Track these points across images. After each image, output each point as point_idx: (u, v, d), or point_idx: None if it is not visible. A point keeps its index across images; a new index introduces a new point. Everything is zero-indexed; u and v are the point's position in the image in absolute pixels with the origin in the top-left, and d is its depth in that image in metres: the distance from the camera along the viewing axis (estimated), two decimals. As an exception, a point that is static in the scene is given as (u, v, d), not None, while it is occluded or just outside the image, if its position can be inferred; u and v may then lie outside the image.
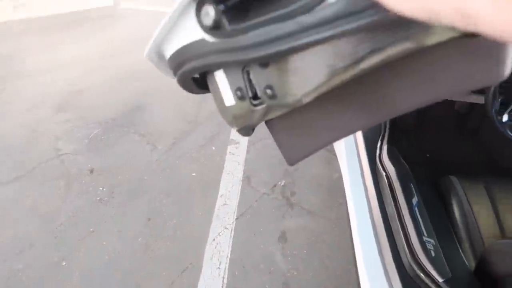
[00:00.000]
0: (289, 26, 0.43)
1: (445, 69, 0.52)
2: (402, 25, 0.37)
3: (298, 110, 0.64)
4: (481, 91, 1.47)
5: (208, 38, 0.52)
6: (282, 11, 0.43)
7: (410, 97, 0.58)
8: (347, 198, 1.55)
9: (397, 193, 1.37)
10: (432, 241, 1.19)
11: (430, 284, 1.08)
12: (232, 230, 1.96)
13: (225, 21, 0.48)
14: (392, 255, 1.20)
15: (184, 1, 0.50)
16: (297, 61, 0.50)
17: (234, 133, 2.63)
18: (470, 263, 1.21)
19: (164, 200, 2.11)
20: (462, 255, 1.23)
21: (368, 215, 1.40)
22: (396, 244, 1.23)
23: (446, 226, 1.33)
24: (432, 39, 0.41)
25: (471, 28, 0.22)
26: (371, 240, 1.31)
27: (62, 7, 4.52)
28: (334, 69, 0.48)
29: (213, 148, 2.50)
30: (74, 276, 1.72)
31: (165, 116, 2.77)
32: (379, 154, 1.59)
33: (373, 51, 0.44)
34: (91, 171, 2.26)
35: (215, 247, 1.86)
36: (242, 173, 2.31)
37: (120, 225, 1.96)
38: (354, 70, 0.47)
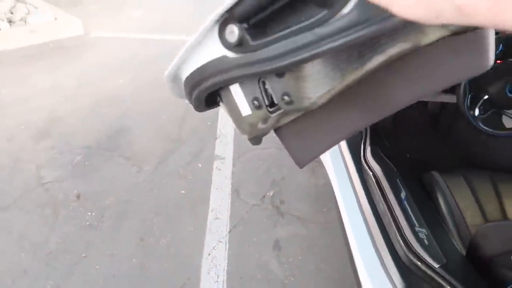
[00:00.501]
0: (307, 37, 0.48)
1: (437, 65, 0.60)
2: (401, 29, 0.44)
3: (306, 115, 0.70)
4: (451, 91, 1.57)
5: (230, 54, 0.58)
6: (301, 25, 0.49)
7: (408, 93, 0.66)
8: (338, 200, 1.60)
9: (385, 190, 1.43)
10: (424, 230, 1.25)
11: (427, 271, 1.13)
12: (226, 243, 1.97)
13: (248, 38, 0.54)
14: (388, 248, 1.25)
15: (208, 24, 0.56)
16: (312, 68, 0.56)
17: (218, 149, 2.67)
18: (461, 248, 1.28)
19: (155, 219, 2.10)
20: (453, 241, 1.30)
21: (359, 213, 1.46)
22: (389, 238, 1.29)
23: (435, 216, 1.40)
24: (426, 39, 0.48)
25: (470, 22, 0.26)
26: (365, 236, 1.36)
27: (32, 38, 4.49)
28: (345, 72, 0.54)
29: (199, 164, 2.52)
30: (70, 302, 1.69)
31: (148, 138, 2.77)
32: (364, 155, 1.65)
33: (376, 53, 0.50)
34: (78, 197, 2.24)
35: (211, 261, 1.87)
36: (231, 186, 2.34)
37: (112, 248, 1.94)
38: (361, 71, 0.53)
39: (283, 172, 2.43)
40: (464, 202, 1.48)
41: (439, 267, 1.14)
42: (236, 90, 0.66)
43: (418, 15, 0.29)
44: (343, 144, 1.80)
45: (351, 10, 0.44)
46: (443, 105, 2.12)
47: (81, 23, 4.90)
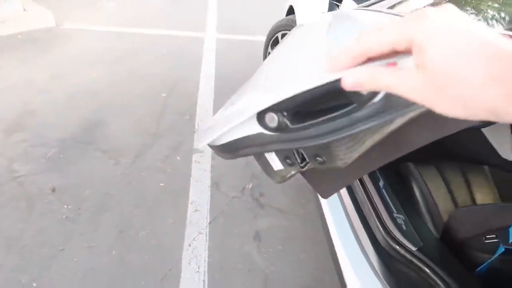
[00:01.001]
0: (344, 121, 0.56)
1: (448, 119, 0.66)
2: None
3: None
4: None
5: (268, 133, 0.65)
6: (338, 113, 0.56)
7: (421, 139, 0.73)
8: (318, 191, 1.64)
9: (364, 179, 1.48)
10: (401, 216, 1.31)
11: (405, 254, 1.19)
12: (206, 234, 1.98)
13: (287, 122, 0.62)
14: (367, 234, 1.30)
15: (247, 114, 0.63)
16: (345, 139, 0.63)
17: (197, 143, 2.66)
18: (435, 233, 1.34)
19: (134, 211, 2.09)
20: (429, 226, 1.36)
21: (339, 202, 1.50)
22: (369, 224, 1.34)
23: (411, 203, 1.47)
24: None
25: (499, 121, 0.31)
26: (345, 224, 1.41)
27: (0, 29, 4.33)
28: (372, 135, 0.61)
29: (178, 158, 2.51)
30: (47, 296, 1.66)
31: (125, 131, 2.73)
32: (343, 147, 1.70)
33: (398, 117, 0.57)
34: (53, 190, 2.18)
35: (192, 252, 1.88)
36: (210, 179, 2.34)
37: (91, 240, 1.91)
38: (386, 131, 0.60)
39: (262, 165, 2.45)
40: (436, 191, 1.56)
41: (416, 250, 1.20)
42: (271, 156, 0.75)
43: (457, 115, 0.33)
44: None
45: (381, 99, 0.51)
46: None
47: (52, 15, 4.74)
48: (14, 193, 2.15)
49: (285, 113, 0.60)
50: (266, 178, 2.32)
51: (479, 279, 1.15)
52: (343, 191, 1.54)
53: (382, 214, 1.33)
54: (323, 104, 0.58)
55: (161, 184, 2.29)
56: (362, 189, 1.46)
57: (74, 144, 2.56)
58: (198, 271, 1.79)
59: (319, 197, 1.62)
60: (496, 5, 1.51)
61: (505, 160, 1.80)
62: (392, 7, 1.56)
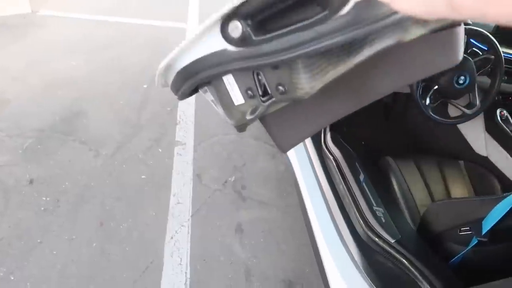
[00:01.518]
0: (309, 34, 0.53)
1: (415, 58, 0.67)
2: (388, 27, 0.49)
3: (291, 105, 0.74)
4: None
5: (231, 48, 0.60)
6: (303, 23, 0.53)
7: (387, 84, 0.72)
8: (299, 183, 1.67)
9: (345, 172, 1.52)
10: (381, 209, 1.35)
11: (384, 246, 1.23)
12: (188, 226, 1.98)
13: (251, 33, 0.58)
14: (347, 226, 1.34)
15: (211, 21, 0.59)
16: (307, 61, 0.60)
17: (179, 135, 2.65)
18: (413, 226, 1.39)
19: (115, 203, 2.07)
20: (406, 218, 1.41)
21: (320, 195, 1.53)
22: (349, 216, 1.37)
23: (391, 197, 1.51)
24: (408, 36, 0.55)
25: (459, 17, 0.31)
26: (326, 216, 1.44)
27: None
28: (336, 65, 0.60)
29: (160, 150, 2.50)
30: (26, 288, 1.64)
31: (106, 122, 2.69)
32: (324, 140, 1.73)
33: (365, 48, 0.56)
34: (31, 182, 2.14)
35: (174, 244, 1.88)
36: (192, 172, 2.34)
37: (71, 232, 1.89)
38: (350, 64, 0.59)
39: (244, 158, 2.47)
40: (414, 184, 1.61)
41: (394, 242, 1.24)
42: (229, 81, 0.69)
43: (415, 10, 0.33)
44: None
45: (349, 11, 0.49)
46: (396, 94, 2.26)
47: (27, 1, 4.59)
48: (-11, 184, 2.10)
49: (249, 22, 0.57)
50: (248, 170, 2.34)
51: (454, 269, 1.20)
52: (325, 184, 1.57)
53: (362, 207, 1.37)
54: (290, 13, 0.55)
55: (142, 176, 2.27)
56: (343, 182, 1.50)
57: (52, 134, 2.51)
58: (180, 264, 1.79)
59: (301, 190, 1.65)
60: None
61: (479, 155, 1.87)
62: None
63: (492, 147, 1.82)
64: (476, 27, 1.60)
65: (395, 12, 0.46)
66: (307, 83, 0.63)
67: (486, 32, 1.56)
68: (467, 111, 1.66)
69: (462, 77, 1.56)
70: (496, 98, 1.78)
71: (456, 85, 1.57)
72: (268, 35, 0.57)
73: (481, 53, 1.62)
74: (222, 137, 2.62)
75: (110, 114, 2.79)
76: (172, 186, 2.22)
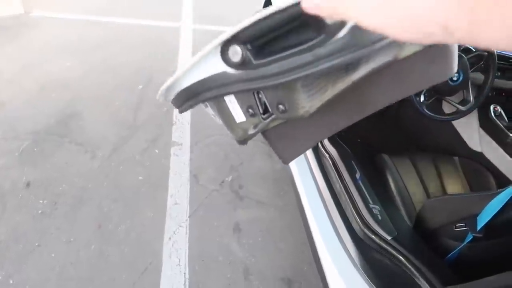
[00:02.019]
0: (307, 57, 0.54)
1: (410, 73, 0.68)
2: (385, 46, 0.51)
3: (292, 121, 0.76)
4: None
5: (232, 71, 0.62)
6: (301, 47, 0.55)
7: (384, 97, 0.75)
8: (296, 182, 1.68)
9: (341, 171, 1.53)
10: (377, 207, 1.36)
11: (380, 243, 1.24)
12: (186, 227, 1.99)
13: (251, 57, 0.59)
14: (344, 224, 1.35)
15: (211, 46, 0.60)
16: (306, 81, 0.62)
17: (175, 135, 2.65)
18: (409, 223, 1.40)
19: (113, 205, 2.07)
20: (403, 215, 1.42)
21: (317, 193, 1.54)
22: (346, 214, 1.39)
23: (387, 194, 1.52)
24: (403, 53, 0.57)
25: (453, 41, 0.32)
26: (323, 214, 1.45)
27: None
28: (334, 83, 0.61)
29: (156, 151, 2.50)
30: (25, 292, 1.64)
31: (102, 123, 2.69)
32: (321, 139, 1.74)
33: (362, 66, 0.57)
34: (28, 185, 2.14)
35: (172, 245, 1.89)
36: (189, 172, 2.35)
37: (69, 235, 1.89)
38: (348, 81, 0.61)
39: (241, 158, 2.48)
40: (410, 181, 1.63)
41: (391, 239, 1.25)
42: (230, 99, 0.71)
43: (410, 37, 0.34)
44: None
45: (346, 35, 0.50)
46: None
47: (20, 1, 4.56)
48: (-15, 188, 2.09)
49: (249, 46, 0.59)
50: (245, 170, 2.35)
51: (450, 265, 1.22)
52: (321, 183, 1.58)
53: (358, 205, 1.38)
54: (289, 38, 0.57)
55: (139, 178, 2.27)
56: (339, 181, 1.51)
57: (48, 137, 2.50)
58: (179, 264, 1.80)
59: (298, 189, 1.66)
60: None
61: (474, 151, 1.89)
62: None
63: (486, 143, 1.83)
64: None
65: None
66: (307, 102, 0.64)
67: None
68: (461, 108, 1.68)
69: (456, 74, 1.58)
70: (490, 94, 1.80)
71: (450, 82, 1.58)
72: (268, 59, 0.58)
73: (474, 50, 1.64)
74: (218, 137, 2.63)
75: (106, 115, 2.79)
76: (169, 187, 2.23)
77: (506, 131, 1.75)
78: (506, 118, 1.80)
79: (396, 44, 0.53)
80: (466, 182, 1.70)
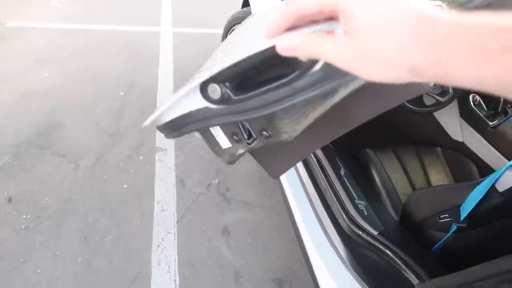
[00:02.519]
0: (285, 91, 0.56)
1: (389, 89, 0.69)
2: None
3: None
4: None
5: (212, 106, 0.64)
6: (279, 82, 0.56)
7: (365, 112, 0.77)
8: (282, 181, 1.68)
9: (326, 168, 1.53)
10: (363, 202, 1.37)
11: (367, 238, 1.24)
12: (175, 233, 1.97)
13: (230, 94, 0.61)
14: (331, 221, 1.35)
15: (191, 85, 0.62)
16: (287, 110, 0.64)
17: (159, 141, 2.63)
18: (394, 216, 1.41)
19: (98, 216, 2.04)
20: (388, 210, 1.43)
21: (303, 192, 1.54)
22: (332, 211, 1.39)
23: (371, 189, 1.53)
24: None
25: (423, 80, 0.34)
26: (310, 212, 1.45)
27: None
28: (314, 108, 0.63)
29: (141, 157, 2.47)
30: (11, 310, 1.60)
31: (83, 132, 2.65)
32: (304, 137, 1.74)
33: (340, 90, 0.58)
34: (9, 200, 2.09)
35: (161, 252, 1.87)
36: (175, 177, 2.32)
37: (54, 249, 1.85)
38: (328, 105, 0.62)
39: (226, 160, 2.46)
40: (395, 174, 1.64)
41: (377, 234, 1.26)
42: (215, 129, 0.74)
43: (383, 79, 0.36)
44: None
45: (321, 68, 0.52)
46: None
47: (-6, 12, 4.47)
48: (-34, 206, 2.04)
49: (227, 84, 0.60)
50: (231, 172, 2.34)
51: (436, 256, 1.22)
52: (307, 181, 1.58)
53: (344, 202, 1.38)
54: (265, 74, 0.58)
55: (124, 186, 2.24)
56: (324, 178, 1.51)
57: (29, 149, 2.45)
58: (168, 271, 1.78)
59: (284, 188, 1.65)
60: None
61: (455, 141, 1.91)
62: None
63: (467, 133, 1.86)
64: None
65: None
66: (289, 127, 0.66)
67: None
68: (441, 99, 1.69)
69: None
70: (468, 84, 1.81)
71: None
72: (247, 94, 0.60)
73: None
74: (203, 141, 2.60)
75: (87, 124, 2.74)
76: (156, 193, 2.20)
77: (486, 119, 1.77)
78: (485, 107, 1.82)
79: None
80: (450, 172, 1.72)
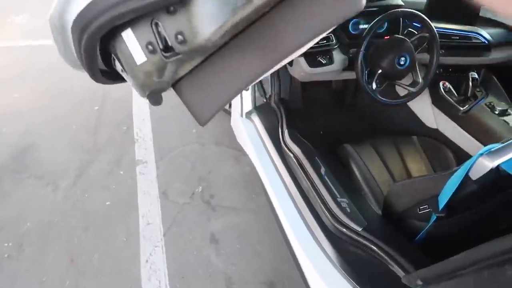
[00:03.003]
0: None
1: (319, 7, 0.67)
2: None
3: (203, 66, 0.71)
4: (350, 68, 1.73)
5: None
6: None
7: (297, 36, 0.71)
8: (265, 184, 1.68)
9: (306, 168, 1.54)
10: (345, 200, 1.39)
11: (351, 235, 1.26)
12: (162, 246, 1.96)
13: None
14: (316, 220, 1.37)
15: None
16: (203, 3, 0.59)
17: (139, 153, 2.60)
18: (377, 209, 1.44)
19: (83, 235, 2.00)
20: (370, 204, 1.45)
21: (286, 193, 1.55)
22: (316, 211, 1.40)
23: (352, 185, 1.55)
24: None
25: None
26: (294, 213, 1.46)
27: None
28: (235, 6, 0.59)
29: (121, 172, 2.44)
30: None
31: (60, 151, 2.59)
32: (283, 138, 1.75)
33: None
34: (-11, 229, 2.04)
35: (150, 267, 1.85)
36: (158, 189, 2.30)
37: (40, 275, 1.81)
38: (250, 6, 0.58)
39: (208, 167, 2.45)
40: (374, 167, 1.66)
41: (361, 230, 1.28)
42: (128, 35, 0.66)
43: None
44: (262, 130, 1.88)
45: None
46: (345, 82, 2.31)
47: (-46, 35, 4.32)
48: None
49: None
50: (214, 178, 2.33)
51: (420, 246, 1.25)
52: (289, 182, 1.58)
53: (327, 201, 1.40)
54: None
55: (107, 203, 2.21)
56: (306, 178, 1.52)
57: (5, 175, 2.39)
58: (159, 286, 1.77)
59: (267, 191, 1.66)
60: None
61: (430, 129, 1.95)
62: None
63: (440, 119, 1.90)
64: (407, 8, 1.66)
65: None
66: (207, 28, 0.61)
67: (417, 12, 1.62)
68: (412, 89, 1.73)
69: (403, 58, 1.62)
70: (437, 72, 1.86)
71: (398, 66, 1.63)
72: None
73: (416, 33, 1.69)
74: (183, 149, 2.59)
75: (64, 142, 2.69)
76: (140, 208, 2.18)
77: (457, 105, 1.81)
78: (455, 93, 1.87)
79: None
80: (427, 160, 1.75)
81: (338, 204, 1.38)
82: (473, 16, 1.94)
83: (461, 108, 1.79)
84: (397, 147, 1.79)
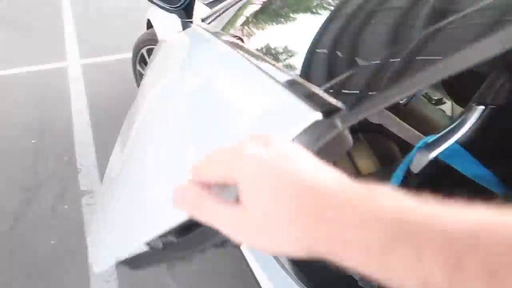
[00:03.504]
0: None
1: None
2: None
3: None
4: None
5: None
6: None
7: None
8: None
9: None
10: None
11: None
12: (115, 279, 1.83)
13: (172, 239, 0.61)
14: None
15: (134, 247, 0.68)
16: None
17: (84, 183, 2.45)
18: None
19: (27, 282, 1.84)
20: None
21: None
22: None
23: None
24: None
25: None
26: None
27: None
28: None
29: (66, 206, 2.28)
30: None
31: (-5, 193, 2.40)
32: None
33: None
34: None
35: (103, 306, 1.72)
36: (107, 220, 2.17)
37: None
38: None
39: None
40: (340, 163, 1.65)
41: None
42: None
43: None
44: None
45: None
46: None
47: None
48: None
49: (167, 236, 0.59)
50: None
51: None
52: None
53: None
54: None
55: (52, 242, 2.05)
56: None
57: None
58: (114, 325, 1.65)
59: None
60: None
61: (372, 124, 1.97)
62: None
63: (382, 114, 1.92)
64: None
65: None
66: None
67: None
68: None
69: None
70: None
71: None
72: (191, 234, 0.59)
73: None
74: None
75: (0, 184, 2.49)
76: (88, 241, 2.04)
77: (396, 98, 1.84)
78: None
79: None
80: (375, 156, 1.76)
81: None
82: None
83: (400, 101, 1.81)
84: (345, 146, 1.79)
